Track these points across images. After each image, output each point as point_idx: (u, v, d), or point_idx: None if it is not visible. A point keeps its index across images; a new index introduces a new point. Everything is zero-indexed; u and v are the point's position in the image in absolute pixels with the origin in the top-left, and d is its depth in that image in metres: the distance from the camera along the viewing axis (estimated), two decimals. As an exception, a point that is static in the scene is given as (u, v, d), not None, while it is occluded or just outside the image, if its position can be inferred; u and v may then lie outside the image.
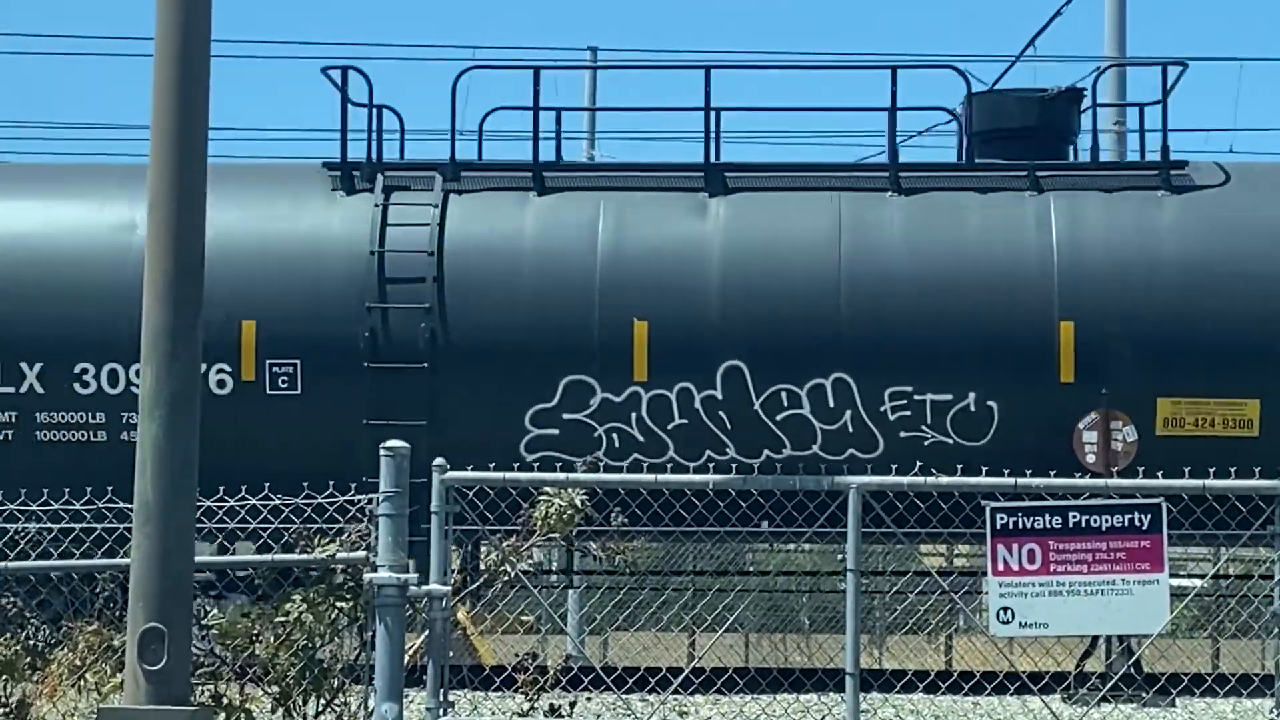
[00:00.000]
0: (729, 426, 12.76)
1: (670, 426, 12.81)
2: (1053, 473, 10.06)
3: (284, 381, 13.24)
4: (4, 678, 8.92)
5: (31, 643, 9.28)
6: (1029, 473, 9.55)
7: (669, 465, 12.20)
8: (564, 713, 9.21)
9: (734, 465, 11.01)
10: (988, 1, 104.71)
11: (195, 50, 8.45)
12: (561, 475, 9.14)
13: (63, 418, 13.15)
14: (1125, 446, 12.04)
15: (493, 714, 9.48)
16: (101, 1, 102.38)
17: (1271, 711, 9.03)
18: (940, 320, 12.89)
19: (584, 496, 9.13)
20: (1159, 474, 10.33)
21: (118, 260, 12.99)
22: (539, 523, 9.10)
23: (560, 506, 9.05)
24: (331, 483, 9.41)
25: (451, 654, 9.01)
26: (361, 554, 8.69)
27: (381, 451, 8.35)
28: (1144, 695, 10.76)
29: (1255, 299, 12.90)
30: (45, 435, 13.18)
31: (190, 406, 8.19)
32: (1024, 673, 9.90)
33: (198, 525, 8.49)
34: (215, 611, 9.48)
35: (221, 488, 9.07)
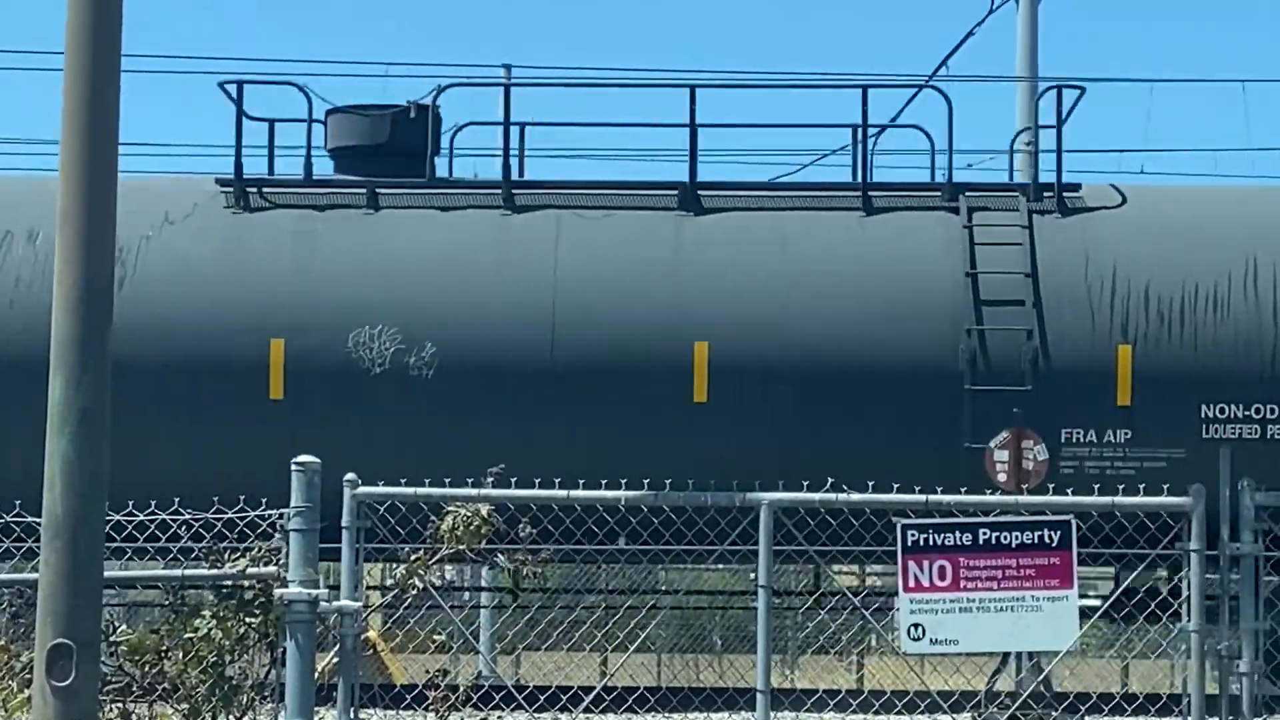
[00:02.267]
0: None
1: None
2: (963, 489, 10.20)
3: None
4: None
5: None
6: (939, 489, 9.70)
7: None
8: None
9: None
10: (898, 24, 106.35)
11: (106, 57, 8.47)
12: (472, 490, 9.10)
13: None
14: (1036, 465, 12.22)
15: None
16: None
17: None
18: None
19: (491, 510, 9.23)
20: (1069, 491, 10.56)
21: None
22: (446, 535, 9.19)
23: (466, 517, 9.13)
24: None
25: (362, 672, 9.03)
26: (272, 569, 8.63)
27: (293, 467, 8.36)
28: (1053, 713, 10.91)
29: None
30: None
31: (101, 421, 8.19)
32: (934, 691, 10.04)
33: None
34: (124, 628, 9.40)
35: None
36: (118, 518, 8.84)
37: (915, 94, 17.29)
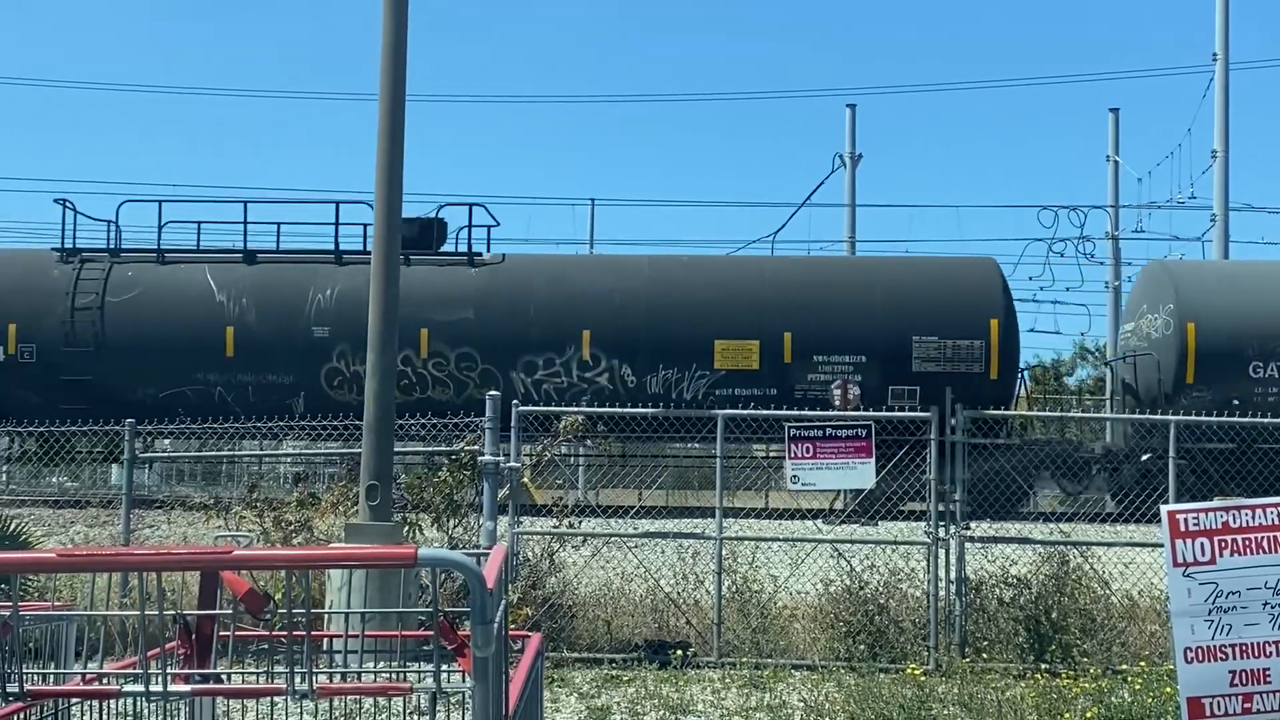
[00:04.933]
0: None
1: None
2: (819, 408, 17.82)
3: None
4: (302, 509, 16.06)
5: (311, 491, 16.51)
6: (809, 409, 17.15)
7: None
8: (573, 525, 15.81)
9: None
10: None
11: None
12: (573, 408, 16.81)
13: None
14: (855, 397, 20.16)
15: (540, 527, 15.97)
16: None
17: (926, 525, 15.08)
18: None
19: (583, 418, 16.70)
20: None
21: None
22: (562, 429, 16.61)
23: (570, 421, 16.60)
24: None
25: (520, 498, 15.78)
26: (477, 447, 15.20)
27: (487, 397, 15.40)
28: (863, 520, 18.26)
29: None
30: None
31: (391, 373, 14.81)
32: (804, 508, 17.30)
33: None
34: (404, 475, 16.15)
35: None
36: (400, 421, 15.95)
37: (778, 230, 26.15)
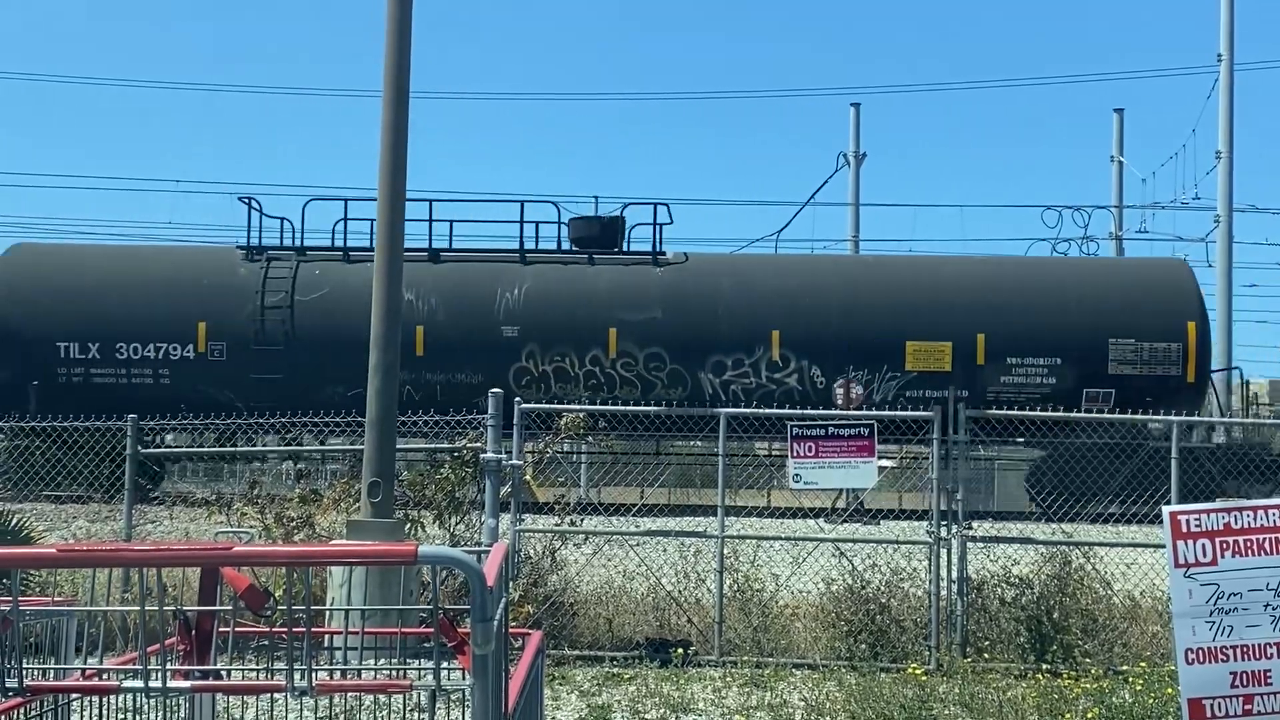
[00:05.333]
0: None
1: None
2: (820, 407, 17.76)
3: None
4: (304, 505, 16.05)
5: (313, 488, 16.55)
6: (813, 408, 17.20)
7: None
8: (575, 523, 15.83)
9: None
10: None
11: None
12: (575, 406, 16.81)
13: None
14: (857, 396, 20.14)
15: (541, 525, 16.05)
16: None
17: (928, 525, 15.07)
18: None
19: (584, 415, 16.70)
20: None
21: None
22: (563, 427, 16.59)
23: (573, 419, 16.58)
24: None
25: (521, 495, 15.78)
26: (479, 444, 15.17)
27: (490, 394, 15.25)
28: (863, 520, 18.24)
29: None
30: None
31: (393, 371, 14.85)
32: (805, 507, 17.27)
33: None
34: (406, 472, 16.26)
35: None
36: (403, 417, 16.00)
37: (781, 229, 26.24)
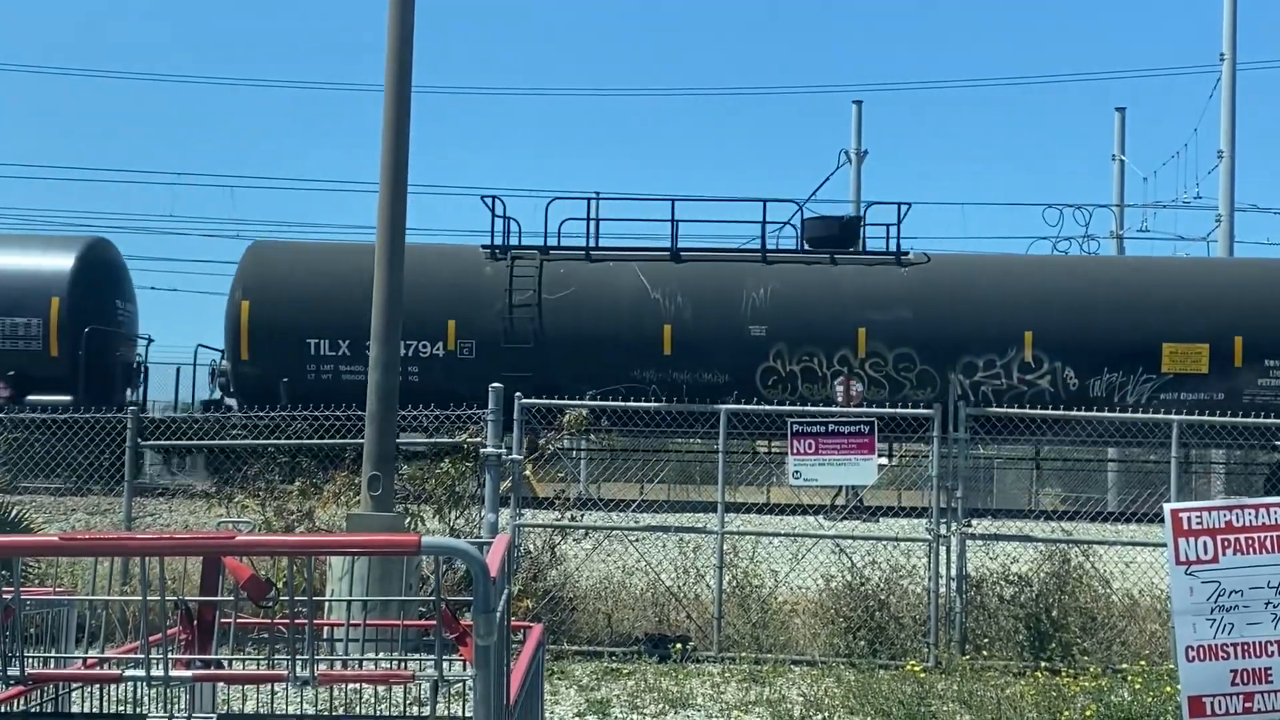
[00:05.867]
0: None
1: None
2: (820, 403, 17.78)
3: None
4: (305, 499, 15.98)
5: (314, 481, 16.48)
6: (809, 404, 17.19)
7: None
8: (575, 518, 15.72)
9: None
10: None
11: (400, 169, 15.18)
12: (576, 402, 16.82)
13: None
14: (857, 393, 20.15)
15: (541, 520, 15.97)
16: None
17: (927, 522, 15.07)
18: None
19: (585, 411, 16.72)
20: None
21: None
22: (565, 423, 16.66)
23: (574, 416, 16.61)
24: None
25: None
26: (479, 439, 15.18)
27: (490, 389, 15.17)
28: (862, 517, 18.23)
29: None
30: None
31: (394, 366, 14.70)
32: (805, 504, 17.35)
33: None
34: (405, 466, 16.28)
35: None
36: (403, 412, 15.98)
37: (782, 226, 26.51)
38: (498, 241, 26.32)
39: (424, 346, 25.15)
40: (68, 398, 25.09)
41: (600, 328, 24.82)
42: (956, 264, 26.39)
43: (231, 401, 25.81)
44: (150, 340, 30.61)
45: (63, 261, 27.35)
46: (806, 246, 26.31)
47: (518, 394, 15.76)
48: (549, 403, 16.54)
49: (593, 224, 26.29)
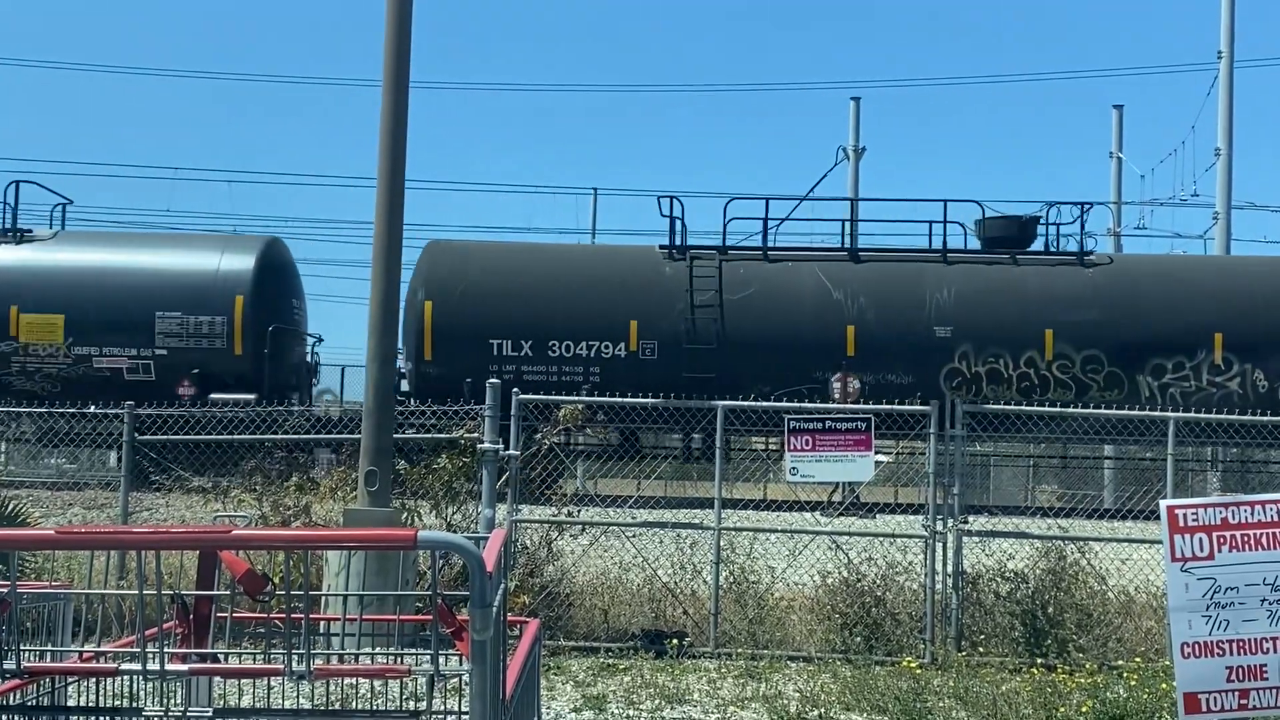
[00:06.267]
0: None
1: None
2: (818, 399, 17.76)
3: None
4: (301, 494, 15.99)
5: (309, 476, 16.51)
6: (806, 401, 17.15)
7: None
8: (572, 514, 15.71)
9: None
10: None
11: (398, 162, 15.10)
12: (573, 397, 16.80)
13: None
14: (855, 390, 20.14)
15: (538, 516, 15.85)
16: None
17: (924, 519, 15.21)
18: None
19: (583, 406, 16.72)
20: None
21: None
22: (562, 418, 16.64)
23: (570, 410, 16.60)
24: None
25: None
26: (476, 435, 15.13)
27: (487, 385, 15.10)
28: (859, 513, 18.24)
29: None
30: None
31: (391, 361, 14.85)
32: (802, 500, 17.34)
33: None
34: (403, 462, 15.97)
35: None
36: (400, 407, 15.98)
37: (780, 223, 26.25)
38: (675, 242, 26.19)
39: (605, 348, 24.93)
40: (252, 395, 25.07)
41: (783, 328, 24.59)
42: (1140, 264, 26.32)
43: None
44: (320, 339, 30.71)
45: (245, 261, 27.47)
46: (982, 247, 26.13)
47: (515, 390, 15.75)
48: (547, 398, 16.55)
49: (762, 225, 26.14)
